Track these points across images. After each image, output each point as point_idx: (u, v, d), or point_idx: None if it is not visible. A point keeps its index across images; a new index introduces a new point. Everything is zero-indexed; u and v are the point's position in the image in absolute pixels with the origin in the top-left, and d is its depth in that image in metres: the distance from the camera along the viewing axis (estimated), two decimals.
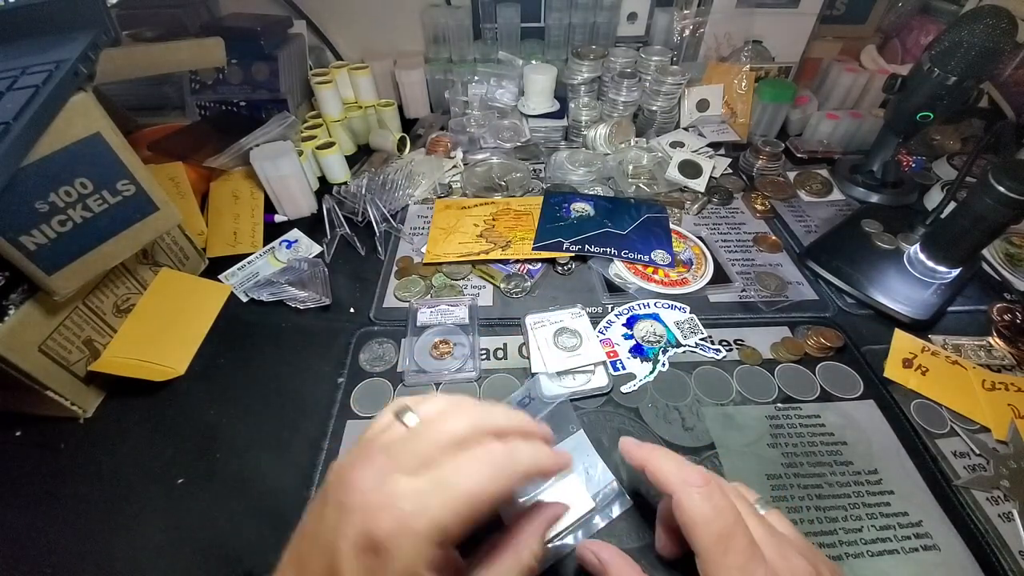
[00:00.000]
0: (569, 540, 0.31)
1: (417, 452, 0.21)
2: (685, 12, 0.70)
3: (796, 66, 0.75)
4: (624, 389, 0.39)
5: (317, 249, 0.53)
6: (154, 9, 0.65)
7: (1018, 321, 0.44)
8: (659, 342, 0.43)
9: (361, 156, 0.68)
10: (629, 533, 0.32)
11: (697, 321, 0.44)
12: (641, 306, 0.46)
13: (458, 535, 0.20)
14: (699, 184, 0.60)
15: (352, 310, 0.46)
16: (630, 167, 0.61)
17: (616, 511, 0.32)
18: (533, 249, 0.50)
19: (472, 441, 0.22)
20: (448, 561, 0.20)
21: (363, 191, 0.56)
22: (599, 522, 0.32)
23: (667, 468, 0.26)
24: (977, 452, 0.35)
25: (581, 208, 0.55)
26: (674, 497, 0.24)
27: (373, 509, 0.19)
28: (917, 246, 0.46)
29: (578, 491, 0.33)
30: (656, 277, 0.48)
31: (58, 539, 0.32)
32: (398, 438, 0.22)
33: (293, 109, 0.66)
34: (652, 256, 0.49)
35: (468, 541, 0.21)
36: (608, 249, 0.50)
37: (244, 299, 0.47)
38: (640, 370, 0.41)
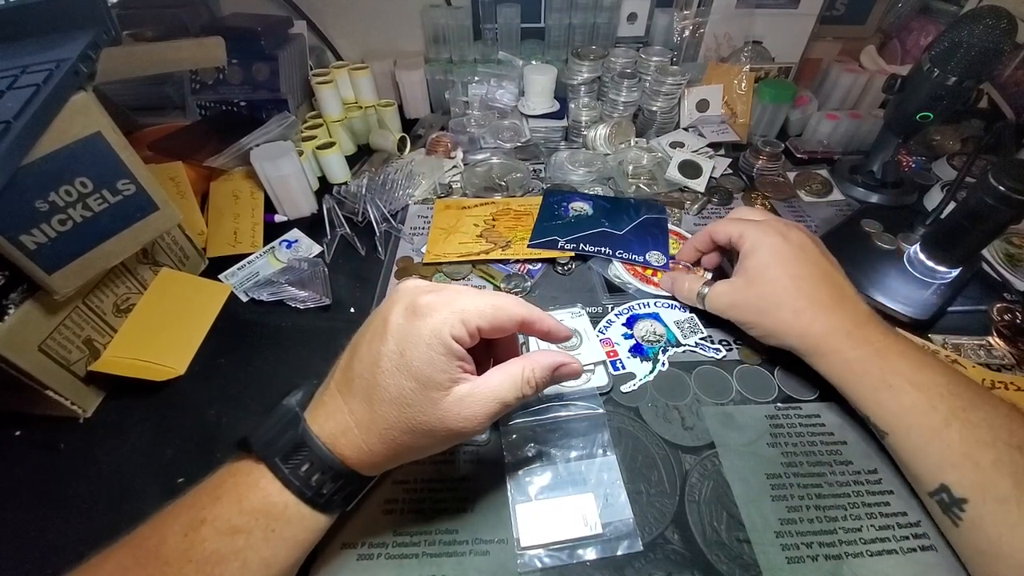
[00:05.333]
0: (563, 556, 0.30)
1: (442, 287, 0.28)
2: (685, 13, 0.70)
3: (796, 66, 0.75)
4: (624, 388, 0.39)
5: (317, 249, 0.53)
6: (155, 9, 0.65)
7: (1018, 321, 0.44)
8: (659, 341, 0.43)
9: (361, 156, 0.68)
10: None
11: (697, 320, 0.44)
12: (641, 305, 0.46)
13: (470, 334, 0.26)
14: (699, 184, 0.60)
15: (352, 310, 0.46)
16: (630, 167, 0.61)
17: (622, 550, 0.30)
18: (528, 246, 0.50)
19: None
20: (461, 355, 0.26)
21: (363, 191, 0.56)
22: (599, 554, 0.30)
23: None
24: None
25: (579, 207, 0.55)
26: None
27: (422, 292, 0.27)
28: (917, 246, 0.46)
29: (590, 513, 0.32)
30: (655, 279, 0.48)
31: (58, 539, 0.32)
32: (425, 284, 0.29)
33: (293, 109, 0.66)
34: (647, 257, 0.49)
35: None
36: (604, 249, 0.50)
37: (244, 299, 0.47)
38: (640, 369, 0.41)
